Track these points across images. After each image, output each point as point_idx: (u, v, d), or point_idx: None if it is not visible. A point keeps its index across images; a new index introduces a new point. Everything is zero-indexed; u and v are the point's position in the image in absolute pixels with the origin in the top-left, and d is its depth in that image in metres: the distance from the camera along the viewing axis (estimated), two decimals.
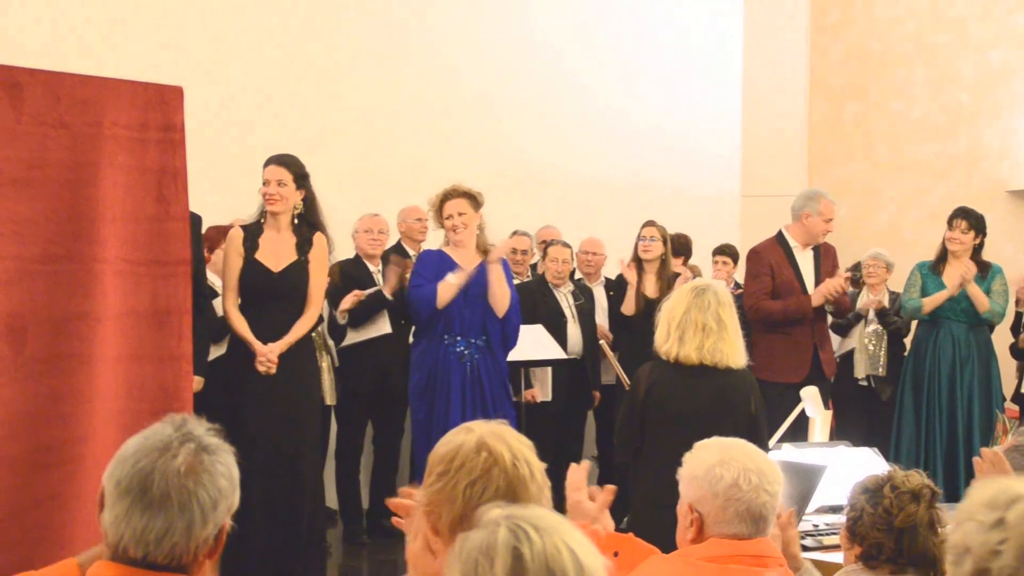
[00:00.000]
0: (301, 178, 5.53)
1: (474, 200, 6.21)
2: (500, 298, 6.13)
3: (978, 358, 7.00)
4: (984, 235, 7.10)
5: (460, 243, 6.17)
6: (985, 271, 7.05)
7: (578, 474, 2.99)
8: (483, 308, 6.13)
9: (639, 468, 4.50)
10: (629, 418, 4.52)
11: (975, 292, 6.96)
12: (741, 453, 2.85)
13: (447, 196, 6.18)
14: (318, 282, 5.58)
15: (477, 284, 6.11)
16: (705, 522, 2.81)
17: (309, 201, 5.57)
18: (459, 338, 6.10)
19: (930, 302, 7.03)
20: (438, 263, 6.13)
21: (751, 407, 4.44)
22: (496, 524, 1.72)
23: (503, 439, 2.26)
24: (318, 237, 5.57)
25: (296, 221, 5.56)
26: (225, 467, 2.19)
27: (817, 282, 6.88)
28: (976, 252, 7.07)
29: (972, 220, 7.03)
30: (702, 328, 4.34)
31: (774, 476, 2.82)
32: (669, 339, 4.39)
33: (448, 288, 6.02)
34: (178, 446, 2.15)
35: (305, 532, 5.44)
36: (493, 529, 1.72)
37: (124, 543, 2.12)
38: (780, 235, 6.96)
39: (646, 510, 4.33)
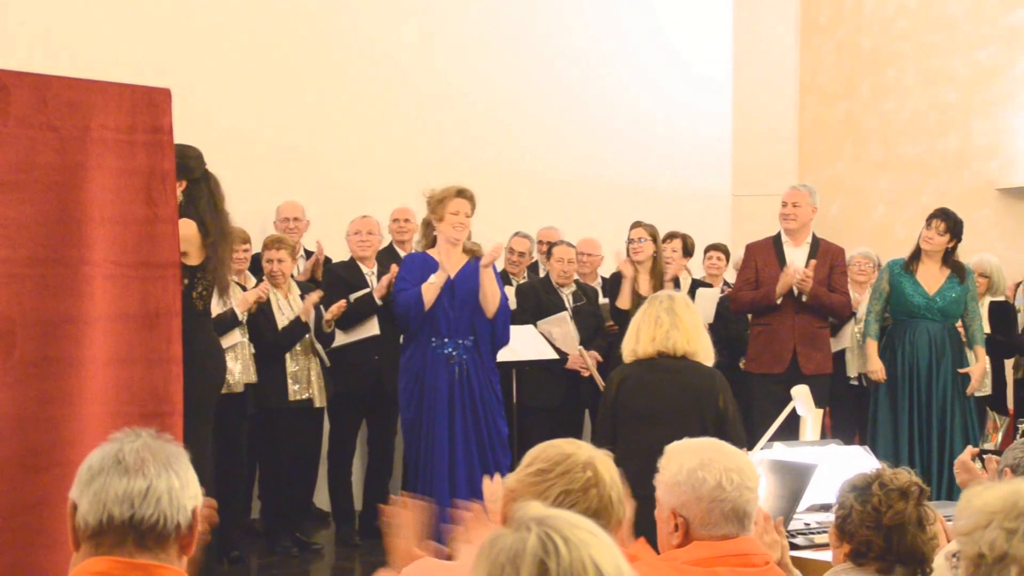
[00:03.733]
0: (179, 169, 4.82)
1: (474, 204, 6.27)
2: (491, 299, 6.16)
3: (952, 356, 7.02)
4: (959, 240, 7.10)
5: (457, 243, 6.20)
6: (961, 275, 7.05)
7: (493, 488, 2.94)
8: (471, 309, 6.14)
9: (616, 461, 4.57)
10: (603, 417, 4.74)
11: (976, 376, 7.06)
12: (719, 454, 2.87)
13: (461, 192, 6.19)
14: None
15: (464, 285, 6.13)
16: (691, 526, 2.81)
17: (189, 194, 5.11)
18: (446, 340, 6.12)
19: (867, 348, 7.07)
20: (422, 266, 6.15)
21: (719, 403, 4.59)
22: (527, 529, 1.71)
23: (607, 466, 2.42)
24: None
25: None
26: (182, 453, 2.21)
27: None
28: (948, 255, 7.07)
29: (950, 223, 7.02)
30: (655, 320, 4.63)
31: (752, 473, 2.86)
32: (629, 340, 4.70)
33: (430, 288, 6.03)
34: (132, 438, 2.18)
35: None
36: (524, 535, 1.70)
37: (107, 510, 2.10)
38: (779, 232, 7.19)
39: None
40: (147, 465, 2.12)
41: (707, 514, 2.78)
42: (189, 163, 5.13)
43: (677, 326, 4.62)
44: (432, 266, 6.13)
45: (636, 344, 4.67)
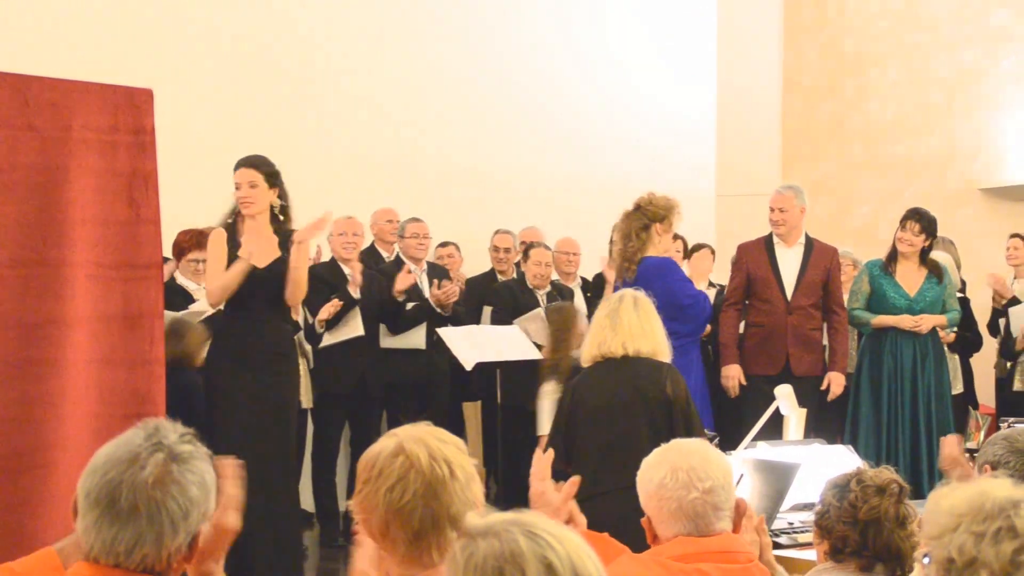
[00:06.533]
0: (272, 176, 5.51)
1: None
2: None
3: (934, 357, 7.02)
4: (934, 238, 7.10)
5: (668, 251, 6.50)
6: (938, 274, 7.05)
7: (543, 463, 3.01)
8: None
9: (573, 464, 4.79)
10: (556, 419, 4.95)
11: (938, 321, 7.02)
12: (677, 453, 2.90)
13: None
14: (304, 268, 5.57)
15: None
16: (653, 524, 2.86)
17: (284, 197, 5.56)
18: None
19: (880, 322, 7.03)
20: None
21: (666, 391, 4.71)
22: (506, 531, 1.69)
23: (423, 441, 2.32)
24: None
25: (280, 218, 5.55)
26: (197, 475, 2.18)
27: (798, 280, 6.96)
28: (924, 254, 7.07)
29: (925, 223, 7.00)
30: (599, 326, 4.82)
31: (707, 472, 2.83)
32: (584, 345, 4.94)
33: None
34: (147, 456, 2.14)
35: (276, 535, 5.38)
36: (508, 538, 1.68)
37: (95, 553, 2.12)
38: (771, 232, 7.12)
39: (578, 502, 4.58)
40: (138, 511, 2.10)
41: (658, 512, 2.84)
42: (275, 170, 5.53)
43: (615, 329, 4.76)
44: None
45: (586, 349, 4.89)
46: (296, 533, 5.56)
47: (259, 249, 5.42)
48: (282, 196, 5.56)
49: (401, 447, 2.31)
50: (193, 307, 6.03)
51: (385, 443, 2.34)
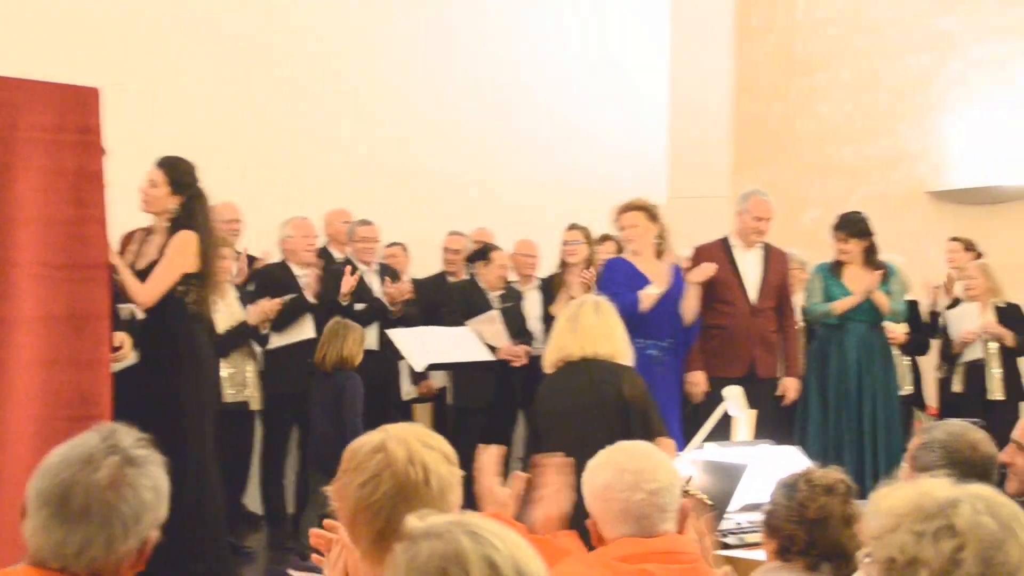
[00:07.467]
0: (178, 184, 5.32)
1: (649, 212, 6.64)
2: (693, 308, 6.62)
3: (880, 357, 7.08)
4: (870, 237, 7.14)
5: (637, 252, 6.57)
6: (885, 275, 7.10)
7: (489, 458, 3.01)
8: (671, 313, 6.50)
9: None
10: (528, 430, 5.06)
11: (879, 299, 7.06)
12: (623, 455, 2.91)
13: (625, 208, 6.62)
14: (160, 267, 5.26)
15: (668, 292, 6.53)
16: (598, 525, 2.86)
17: (187, 207, 5.36)
18: (649, 341, 6.37)
19: (839, 306, 7.05)
20: (627, 271, 6.51)
21: (622, 392, 4.77)
22: (448, 531, 1.68)
23: (406, 442, 2.28)
24: (179, 234, 5.30)
25: (170, 225, 5.35)
26: (151, 480, 2.16)
27: (762, 283, 6.98)
28: (870, 254, 7.12)
29: (852, 229, 7.07)
30: (558, 330, 4.91)
31: (654, 474, 2.84)
32: (546, 351, 5.00)
33: (649, 298, 6.40)
34: (101, 458, 2.12)
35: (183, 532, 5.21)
36: (451, 538, 1.67)
37: (43, 555, 2.09)
38: (727, 235, 7.10)
39: None
40: (90, 514, 2.08)
41: (604, 513, 2.84)
42: (187, 179, 5.39)
43: (575, 332, 4.83)
44: (635, 271, 6.51)
45: (548, 354, 4.96)
46: (196, 533, 5.30)
47: (144, 253, 5.37)
48: (187, 206, 5.36)
49: (383, 444, 2.28)
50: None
51: (371, 437, 2.31)
